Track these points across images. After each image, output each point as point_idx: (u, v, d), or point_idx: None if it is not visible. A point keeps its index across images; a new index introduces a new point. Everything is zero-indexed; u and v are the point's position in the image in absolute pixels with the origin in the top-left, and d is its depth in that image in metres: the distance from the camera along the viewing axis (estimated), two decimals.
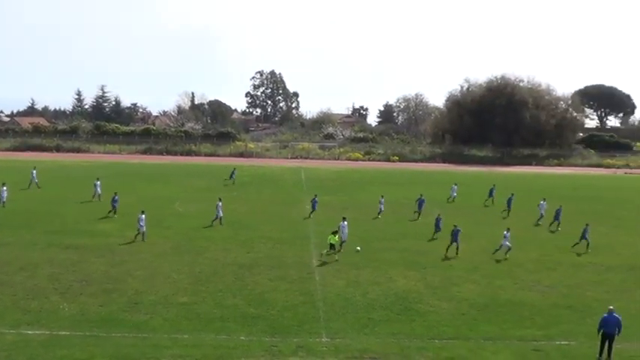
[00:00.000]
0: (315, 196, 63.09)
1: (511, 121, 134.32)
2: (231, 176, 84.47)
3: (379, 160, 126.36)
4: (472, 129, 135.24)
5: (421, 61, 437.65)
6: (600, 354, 28.50)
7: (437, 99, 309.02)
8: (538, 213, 62.12)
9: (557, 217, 58.87)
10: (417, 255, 46.04)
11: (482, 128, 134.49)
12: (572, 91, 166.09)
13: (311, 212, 61.20)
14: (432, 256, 46.07)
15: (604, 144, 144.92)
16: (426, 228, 55.69)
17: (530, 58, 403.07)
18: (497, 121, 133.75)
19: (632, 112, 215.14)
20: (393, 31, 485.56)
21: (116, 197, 57.99)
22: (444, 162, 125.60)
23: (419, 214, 61.28)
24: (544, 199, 63.73)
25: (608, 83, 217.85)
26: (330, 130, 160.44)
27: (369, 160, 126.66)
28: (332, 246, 44.14)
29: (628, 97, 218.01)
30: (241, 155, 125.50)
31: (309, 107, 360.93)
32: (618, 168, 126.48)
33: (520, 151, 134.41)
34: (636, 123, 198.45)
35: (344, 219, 47.62)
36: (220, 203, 55.68)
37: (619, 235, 55.87)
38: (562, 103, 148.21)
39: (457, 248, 46.16)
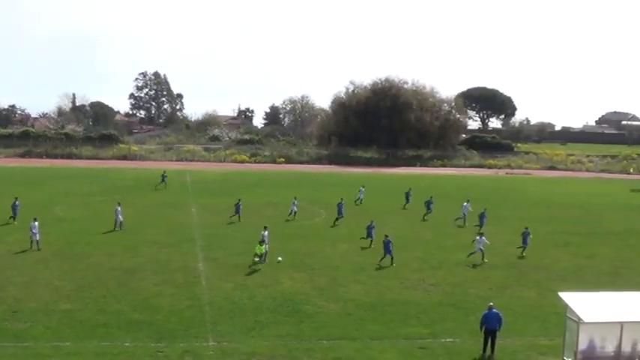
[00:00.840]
0: (239, 200, 62.02)
1: (396, 123, 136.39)
2: (162, 180, 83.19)
3: (265, 162, 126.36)
4: (358, 130, 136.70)
5: (307, 63, 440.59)
6: (484, 350, 29.38)
7: (323, 101, 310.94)
8: (460, 213, 63.34)
9: (481, 219, 60.05)
10: (305, 257, 46.41)
11: (367, 130, 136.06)
12: (456, 94, 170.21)
13: (232, 215, 60.51)
14: (319, 257, 46.53)
15: (486, 145, 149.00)
16: (314, 230, 56.34)
17: (414, 60, 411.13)
18: (382, 123, 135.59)
19: (513, 114, 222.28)
20: (278, 33, 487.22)
21: (16, 202, 56.35)
22: (330, 163, 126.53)
23: (339, 218, 61.12)
24: (468, 201, 64.77)
25: (490, 86, 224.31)
26: (216, 132, 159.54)
27: (255, 162, 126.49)
28: (259, 256, 43.41)
29: (509, 99, 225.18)
30: (124, 158, 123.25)
31: (194, 109, 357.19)
32: (500, 168, 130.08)
33: (405, 152, 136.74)
34: (517, 124, 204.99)
35: (265, 228, 47.08)
36: (119, 208, 54.76)
37: (500, 234, 57.59)
38: (446, 105, 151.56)
39: (392, 259, 45.58)
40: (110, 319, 32.14)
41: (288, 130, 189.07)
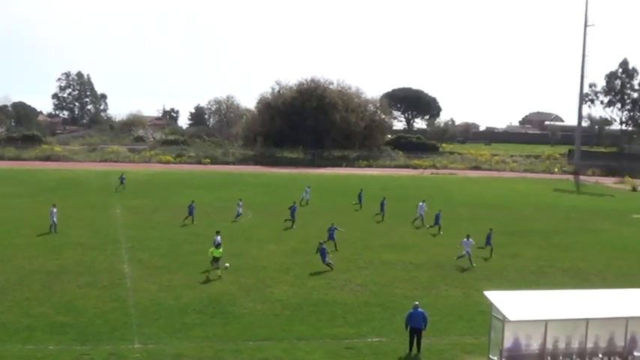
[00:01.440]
0: (193, 201, 61.11)
1: (322, 123, 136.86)
2: (121, 182, 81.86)
3: (191, 163, 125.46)
4: (284, 131, 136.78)
5: (232, 63, 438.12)
6: (410, 349, 29.65)
7: (248, 101, 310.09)
8: (416, 213, 63.84)
9: (437, 220, 60.39)
10: (231, 257, 46.08)
11: (293, 130, 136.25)
12: (381, 94, 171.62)
13: (186, 218, 59.66)
14: (245, 258, 46.40)
15: (411, 145, 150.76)
16: (240, 230, 56.23)
17: (339, 61, 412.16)
18: (308, 123, 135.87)
19: (438, 115, 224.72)
20: (203, 33, 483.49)
21: None
22: (256, 164, 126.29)
23: (292, 221, 60.36)
24: (423, 201, 65.32)
25: (415, 87, 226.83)
26: (141, 132, 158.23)
27: (180, 162, 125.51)
28: (215, 260, 41.68)
29: (434, 100, 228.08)
30: (48, 159, 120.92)
31: (118, 109, 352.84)
32: (425, 168, 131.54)
33: (331, 153, 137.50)
34: (442, 125, 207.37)
35: (218, 233, 46.05)
36: (55, 210, 53.72)
37: (425, 233, 58.27)
38: (371, 105, 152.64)
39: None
40: (34, 322, 31.54)
41: (214, 130, 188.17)
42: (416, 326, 29.66)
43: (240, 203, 63.24)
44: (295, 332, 31.74)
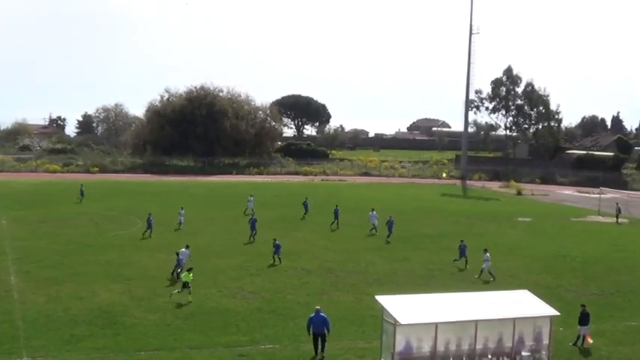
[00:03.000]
0: (150, 214, 59.35)
1: (212, 131, 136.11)
2: (81, 193, 79.56)
3: (79, 172, 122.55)
4: (173, 139, 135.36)
5: (121, 71, 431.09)
6: (316, 352, 29.99)
7: (137, 109, 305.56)
8: (370, 224, 64.13)
9: (389, 227, 60.74)
10: (122, 267, 45.49)
11: (183, 138, 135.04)
12: (271, 102, 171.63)
13: (145, 231, 58.14)
14: (136, 267, 45.75)
15: (302, 152, 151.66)
16: (130, 240, 55.42)
17: (229, 68, 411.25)
18: (198, 131, 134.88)
19: (328, 121, 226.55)
20: (89, 39, 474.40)
21: None
22: (146, 172, 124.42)
23: (252, 234, 59.28)
24: (373, 210, 65.52)
25: (304, 94, 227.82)
26: (26, 141, 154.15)
27: (68, 171, 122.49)
28: (185, 284, 39.22)
29: (323, 107, 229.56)
30: None
31: (2, 118, 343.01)
32: (315, 175, 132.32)
33: (221, 160, 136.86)
34: (331, 132, 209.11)
35: (187, 246, 45.42)
36: None
37: (316, 239, 58.65)
38: (261, 112, 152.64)
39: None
40: None
41: (102, 139, 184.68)
42: (317, 331, 29.94)
43: (182, 212, 63.09)
44: (187, 341, 31.43)
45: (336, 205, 68.43)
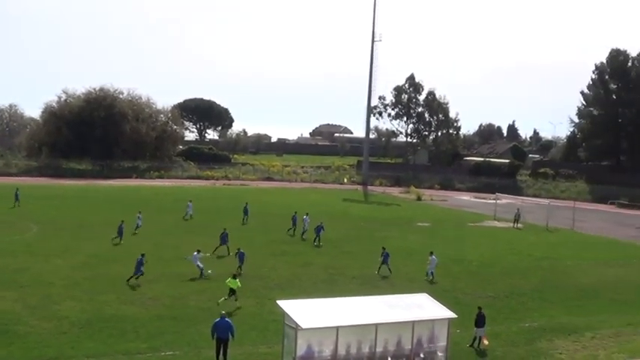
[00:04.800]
0: (122, 221, 58.60)
1: (111, 134, 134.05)
2: (16, 198, 77.08)
3: None
4: (71, 141, 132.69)
5: (15, 71, 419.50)
6: (217, 358, 29.76)
7: (33, 110, 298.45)
8: (301, 227, 65.09)
9: (317, 232, 61.24)
10: (14, 273, 44.22)
11: (81, 140, 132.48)
12: (172, 105, 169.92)
13: (115, 238, 57.40)
14: (30, 274, 44.53)
15: (203, 156, 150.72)
16: (24, 245, 54.03)
17: (130, 70, 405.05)
18: (96, 134, 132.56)
19: (230, 126, 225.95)
20: None
21: None
22: (41, 175, 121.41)
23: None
24: (307, 214, 66.44)
25: (206, 97, 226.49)
26: None
27: None
28: (232, 291, 39.15)
29: (226, 111, 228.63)
30: None
31: None
32: (217, 179, 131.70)
33: (121, 164, 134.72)
34: (234, 136, 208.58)
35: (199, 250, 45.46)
36: None
37: (217, 244, 58.30)
38: (162, 115, 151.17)
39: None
40: None
41: None
42: (222, 336, 29.78)
43: (140, 216, 63.12)
44: (85, 350, 30.77)
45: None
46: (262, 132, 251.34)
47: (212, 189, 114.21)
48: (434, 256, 49.56)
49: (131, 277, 43.53)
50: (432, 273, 49.14)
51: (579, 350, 35.13)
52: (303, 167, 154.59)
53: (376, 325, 28.48)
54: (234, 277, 40.09)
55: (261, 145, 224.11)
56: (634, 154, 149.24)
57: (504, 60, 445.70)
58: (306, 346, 27.40)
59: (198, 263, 46.40)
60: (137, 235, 60.56)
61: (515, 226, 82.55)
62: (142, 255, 44.69)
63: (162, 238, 60.34)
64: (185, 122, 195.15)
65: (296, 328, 27.09)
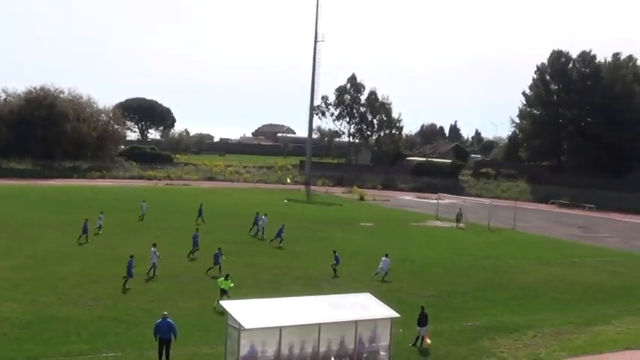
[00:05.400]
0: (87, 220, 59.86)
1: (52, 133, 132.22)
2: None
3: None
4: (10, 141, 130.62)
5: None
6: (160, 358, 29.63)
7: None
8: (257, 227, 66.60)
9: (279, 234, 61.74)
10: None
11: (22, 140, 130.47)
12: (114, 104, 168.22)
13: (80, 237, 57.34)
14: None
15: (145, 156, 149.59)
16: None
17: (71, 69, 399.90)
18: (37, 133, 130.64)
19: (172, 126, 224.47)
20: None
21: None
22: None
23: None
24: (265, 214, 67.00)
25: (148, 97, 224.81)
26: None
27: None
28: (224, 292, 39.00)
29: (168, 110, 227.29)
30: None
31: None
32: (159, 179, 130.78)
33: (62, 164, 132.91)
34: (176, 136, 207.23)
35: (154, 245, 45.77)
36: None
37: (160, 244, 57.70)
38: (103, 115, 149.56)
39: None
40: None
41: None
42: (164, 336, 29.69)
43: (102, 216, 63.17)
44: (26, 351, 30.37)
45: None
46: (205, 132, 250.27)
47: (155, 189, 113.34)
48: (386, 258, 50.31)
49: (125, 282, 43.30)
50: (382, 273, 49.80)
51: (521, 349, 35.74)
52: (245, 167, 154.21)
53: (319, 325, 28.63)
54: (226, 277, 40.24)
55: (203, 145, 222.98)
56: (574, 155, 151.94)
57: (446, 60, 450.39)
58: (249, 347, 27.43)
59: (155, 261, 46.33)
60: (75, 236, 59.86)
61: (458, 225, 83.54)
62: (131, 257, 44.25)
63: (102, 239, 59.71)
64: (127, 122, 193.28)
65: (239, 328, 27.10)
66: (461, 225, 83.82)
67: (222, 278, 40.19)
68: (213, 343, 32.40)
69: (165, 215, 75.23)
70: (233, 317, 27.68)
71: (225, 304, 28.99)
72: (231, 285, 39.79)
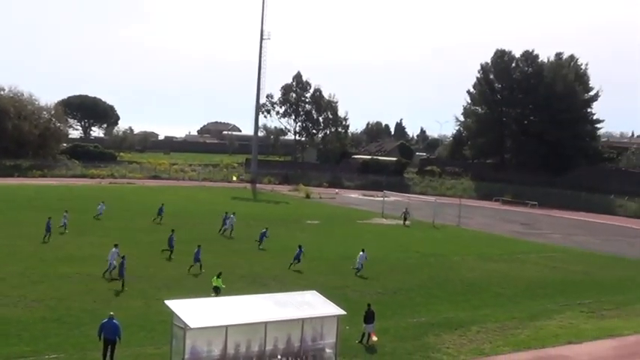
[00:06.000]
0: (50, 218, 59.05)
1: None
2: None
3: None
4: None
5: None
6: (104, 359, 29.30)
7: None
8: (224, 226, 67.32)
9: (261, 238, 61.17)
10: None
11: None
12: (56, 101, 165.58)
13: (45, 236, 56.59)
14: None
15: (88, 154, 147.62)
16: None
17: (11, 66, 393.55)
18: None
19: (116, 123, 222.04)
20: None
21: None
22: None
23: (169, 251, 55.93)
24: (233, 213, 67.87)
25: (91, 94, 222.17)
26: None
27: None
28: (216, 289, 39.95)
29: (111, 108, 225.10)
30: None
31: None
32: (103, 178, 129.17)
33: (2, 162, 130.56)
34: (120, 133, 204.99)
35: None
36: None
37: (105, 244, 56.96)
38: (45, 113, 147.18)
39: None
40: None
41: None
42: (109, 337, 29.38)
43: (66, 215, 63.10)
44: None
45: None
46: (149, 130, 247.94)
47: (99, 188, 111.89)
48: (363, 253, 52.60)
49: (122, 283, 43.01)
50: (360, 266, 52.14)
51: (466, 344, 36.05)
52: (191, 165, 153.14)
53: (265, 323, 28.52)
54: (219, 276, 41.39)
55: (148, 143, 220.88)
56: (517, 153, 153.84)
57: (392, 59, 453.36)
58: (195, 346, 27.21)
59: (114, 261, 45.71)
60: (15, 235, 58.83)
61: (405, 223, 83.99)
62: (123, 257, 43.95)
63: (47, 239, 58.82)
64: (69, 120, 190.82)
65: (184, 328, 26.86)
66: (407, 223, 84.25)
67: (216, 276, 41.39)
68: (158, 343, 32.06)
69: (111, 215, 74.20)
70: (178, 316, 27.41)
71: (171, 303, 28.67)
72: (223, 286, 40.95)
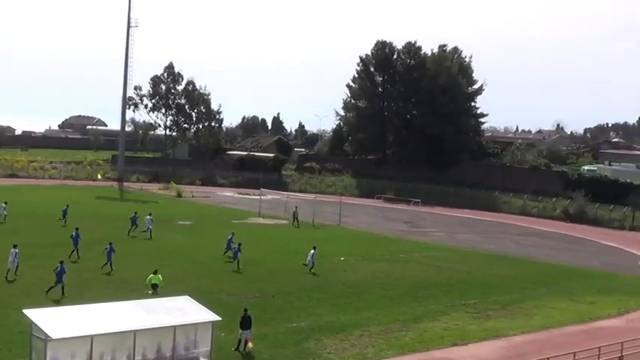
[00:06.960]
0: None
1: None
2: None
3: None
4: None
5: None
6: None
7: None
8: (145, 226, 68.13)
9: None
10: None
11: None
12: None
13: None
14: None
15: None
16: None
17: None
18: None
19: None
20: None
21: None
22: None
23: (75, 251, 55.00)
24: (150, 214, 69.55)
25: None
26: None
27: None
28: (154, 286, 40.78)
29: None
30: None
31: None
32: None
33: None
34: None
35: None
36: None
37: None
38: None
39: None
40: None
41: None
42: None
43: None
44: None
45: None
46: (5, 124, 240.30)
47: None
48: (314, 251, 56.39)
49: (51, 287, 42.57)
50: (311, 263, 55.78)
51: (348, 349, 36.48)
52: (51, 163, 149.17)
53: (134, 331, 28.19)
54: (155, 272, 42.67)
55: (3, 138, 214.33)
56: (400, 148, 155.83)
57: (268, 52, 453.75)
58: (57, 359, 26.63)
59: (15, 259, 46.19)
60: None
61: (294, 223, 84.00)
62: (61, 262, 43.63)
63: None
64: None
65: (45, 339, 26.27)
66: (297, 224, 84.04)
67: (152, 274, 42.63)
68: (17, 356, 31.26)
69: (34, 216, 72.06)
70: (38, 327, 26.78)
71: (30, 312, 27.93)
72: (161, 279, 43.00)
